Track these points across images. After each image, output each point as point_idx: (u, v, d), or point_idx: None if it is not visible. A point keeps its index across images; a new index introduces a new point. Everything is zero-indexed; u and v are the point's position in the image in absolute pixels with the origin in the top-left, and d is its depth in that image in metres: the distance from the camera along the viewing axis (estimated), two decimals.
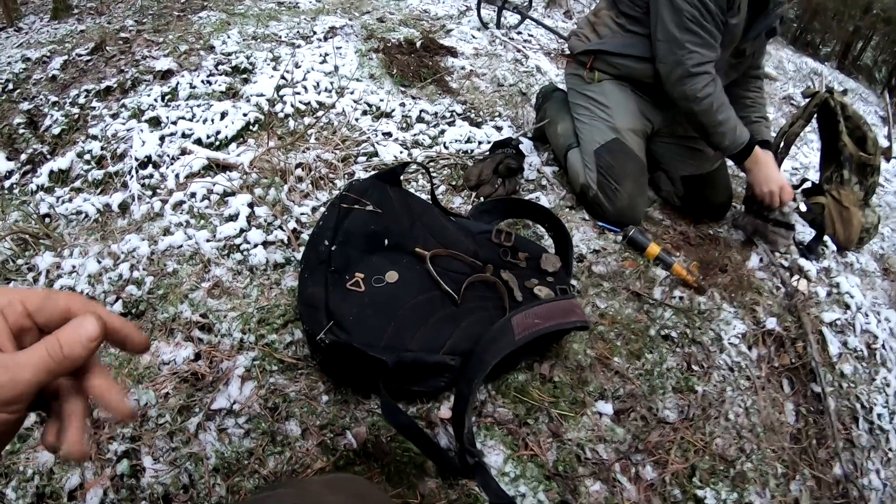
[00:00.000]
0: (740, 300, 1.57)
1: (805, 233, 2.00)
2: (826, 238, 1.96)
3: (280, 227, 1.39)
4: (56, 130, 1.88)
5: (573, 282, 1.41)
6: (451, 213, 1.39)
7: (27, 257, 1.39)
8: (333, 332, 1.02)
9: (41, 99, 2.05)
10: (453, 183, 1.71)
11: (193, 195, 1.52)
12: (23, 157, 1.81)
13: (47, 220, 1.55)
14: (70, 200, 1.60)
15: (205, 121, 1.79)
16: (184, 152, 1.70)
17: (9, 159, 1.82)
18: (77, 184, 1.69)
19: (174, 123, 1.78)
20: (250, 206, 1.44)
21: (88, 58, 2.22)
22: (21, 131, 1.89)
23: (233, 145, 1.74)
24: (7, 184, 1.76)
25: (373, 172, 1.64)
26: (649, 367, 1.28)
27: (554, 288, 1.25)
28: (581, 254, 1.51)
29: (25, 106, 2.00)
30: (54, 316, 0.37)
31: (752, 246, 1.80)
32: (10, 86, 2.15)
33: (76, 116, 1.92)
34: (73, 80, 2.13)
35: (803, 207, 1.86)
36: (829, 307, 1.69)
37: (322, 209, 1.49)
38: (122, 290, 1.26)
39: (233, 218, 1.42)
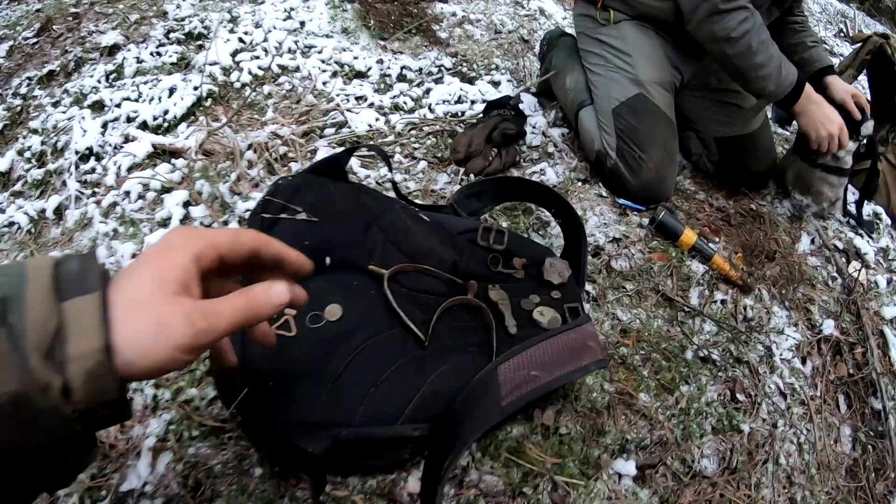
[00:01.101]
0: (792, 298, 1.15)
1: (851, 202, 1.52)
2: (880, 209, 1.51)
3: None
4: None
5: (588, 286, 1.02)
6: (424, 206, 0.98)
7: None
8: (248, 404, 0.67)
9: None
10: (439, 155, 1.28)
11: (127, 194, 1.15)
12: None
13: None
14: (2, 210, 1.26)
15: (151, 100, 1.39)
16: (127, 139, 1.31)
17: None
18: (18, 186, 1.34)
19: (118, 106, 1.39)
20: (186, 205, 1.07)
21: (35, 40, 1.79)
22: None
23: (183, 125, 1.34)
24: None
25: (338, 150, 1.23)
26: (684, 405, 0.90)
27: (561, 308, 0.86)
28: (598, 245, 1.10)
29: None
30: (241, 256, 0.36)
31: (801, 223, 1.35)
32: None
33: (18, 109, 1.54)
34: (17, 67, 1.72)
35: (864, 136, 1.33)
36: (890, 299, 1.27)
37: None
38: None
39: (165, 223, 1.05)
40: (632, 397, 0.89)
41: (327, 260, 0.79)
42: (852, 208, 1.43)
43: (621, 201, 1.21)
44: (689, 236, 1.10)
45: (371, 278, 0.80)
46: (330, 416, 0.67)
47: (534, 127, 1.37)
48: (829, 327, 1.14)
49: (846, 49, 2.79)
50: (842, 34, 3.08)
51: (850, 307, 1.21)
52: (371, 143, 1.25)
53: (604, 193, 1.24)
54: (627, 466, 0.82)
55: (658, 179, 1.19)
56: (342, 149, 1.22)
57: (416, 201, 1.02)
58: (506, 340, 0.80)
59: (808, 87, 1.18)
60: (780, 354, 1.05)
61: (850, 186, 1.51)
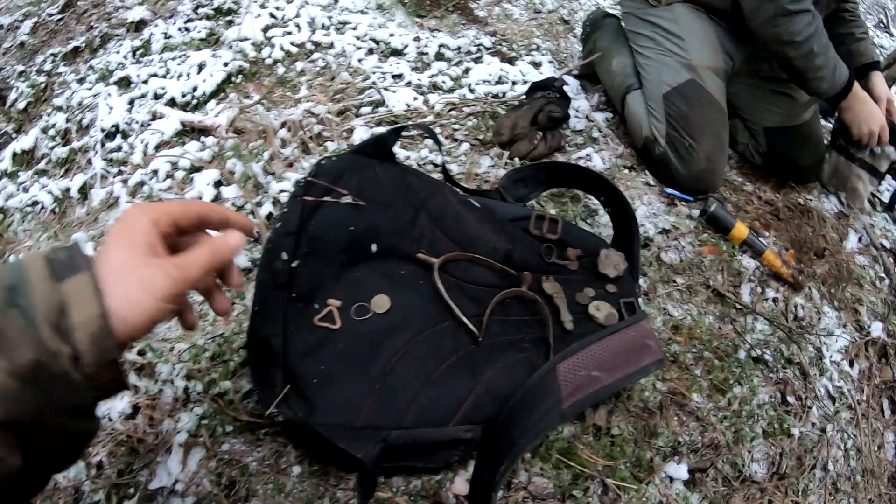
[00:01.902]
0: (841, 297, 1.06)
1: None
2: None
3: (251, 213, 0.93)
4: (21, 105, 1.42)
5: (640, 280, 0.92)
6: (473, 191, 0.89)
7: None
8: (290, 402, 0.59)
9: (8, 70, 1.56)
10: (480, 137, 1.18)
11: (155, 173, 1.06)
12: None
13: (0, 216, 1.14)
14: (26, 190, 1.18)
15: (179, 76, 1.29)
16: (154, 117, 1.22)
17: None
18: (41, 165, 1.25)
19: (145, 83, 1.29)
20: (217, 185, 0.98)
21: (60, 16, 1.68)
22: None
23: (212, 102, 1.24)
24: None
25: (376, 129, 1.12)
26: (737, 407, 0.82)
27: (617, 303, 0.77)
28: (647, 236, 1.00)
29: None
30: (191, 220, 0.39)
31: (847, 219, 1.24)
32: None
33: (42, 86, 1.45)
34: (41, 44, 1.62)
35: None
36: None
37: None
38: None
39: None
40: (684, 397, 0.80)
41: (373, 247, 0.70)
42: None
43: (669, 190, 1.11)
44: (741, 230, 1.00)
45: (420, 267, 0.72)
46: (378, 417, 0.59)
47: (577, 111, 1.26)
48: (876, 329, 1.05)
49: (885, 40, 2.59)
50: (881, 25, 2.87)
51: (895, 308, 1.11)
52: (410, 122, 1.14)
53: (651, 182, 1.14)
54: (679, 470, 0.75)
55: (708, 170, 1.08)
56: (381, 129, 1.12)
57: (463, 185, 0.93)
58: (562, 337, 0.71)
59: (857, 86, 1.11)
60: (830, 357, 0.96)
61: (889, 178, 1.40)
